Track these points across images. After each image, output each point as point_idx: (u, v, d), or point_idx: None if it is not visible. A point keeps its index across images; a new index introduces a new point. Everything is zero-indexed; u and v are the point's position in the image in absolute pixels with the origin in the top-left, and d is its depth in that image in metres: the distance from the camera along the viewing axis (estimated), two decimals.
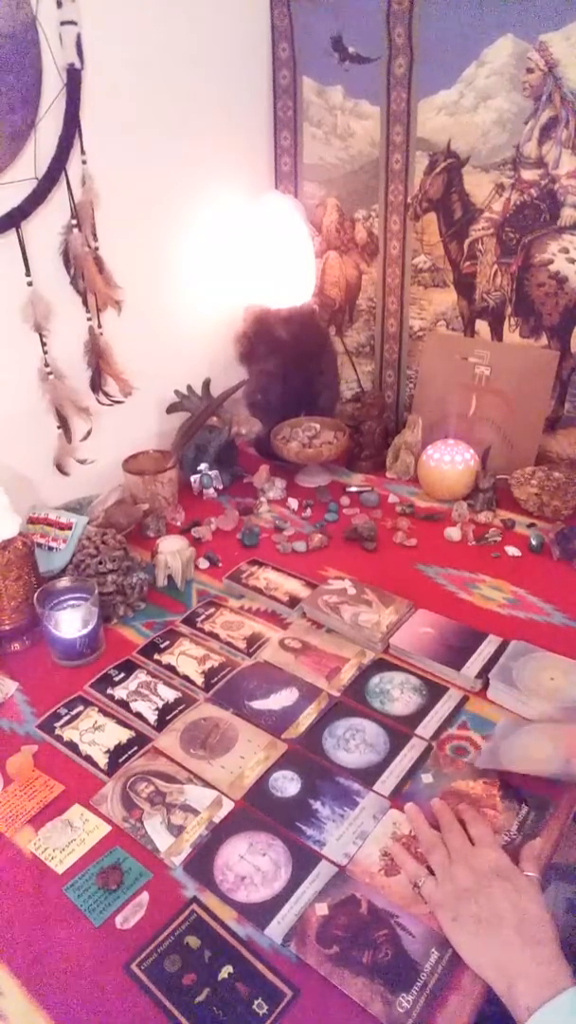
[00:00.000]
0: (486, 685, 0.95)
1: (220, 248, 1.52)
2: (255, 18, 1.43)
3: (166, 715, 0.94)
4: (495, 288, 1.38)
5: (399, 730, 0.90)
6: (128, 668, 1.02)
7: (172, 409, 1.49)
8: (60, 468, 1.33)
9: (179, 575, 1.17)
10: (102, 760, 0.88)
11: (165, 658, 1.04)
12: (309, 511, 1.38)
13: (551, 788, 0.80)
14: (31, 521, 1.22)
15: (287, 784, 0.84)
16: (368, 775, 0.84)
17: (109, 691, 0.99)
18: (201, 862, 0.76)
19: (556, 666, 0.95)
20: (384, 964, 0.66)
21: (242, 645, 1.06)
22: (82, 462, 1.36)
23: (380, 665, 1.01)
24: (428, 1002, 0.63)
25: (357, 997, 0.64)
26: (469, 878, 0.69)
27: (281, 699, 0.96)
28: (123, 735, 0.92)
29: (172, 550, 1.16)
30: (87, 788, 0.85)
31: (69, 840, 0.79)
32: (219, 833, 0.79)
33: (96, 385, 1.34)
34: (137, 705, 0.96)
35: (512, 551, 1.22)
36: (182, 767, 0.87)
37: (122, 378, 1.36)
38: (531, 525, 1.29)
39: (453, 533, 1.27)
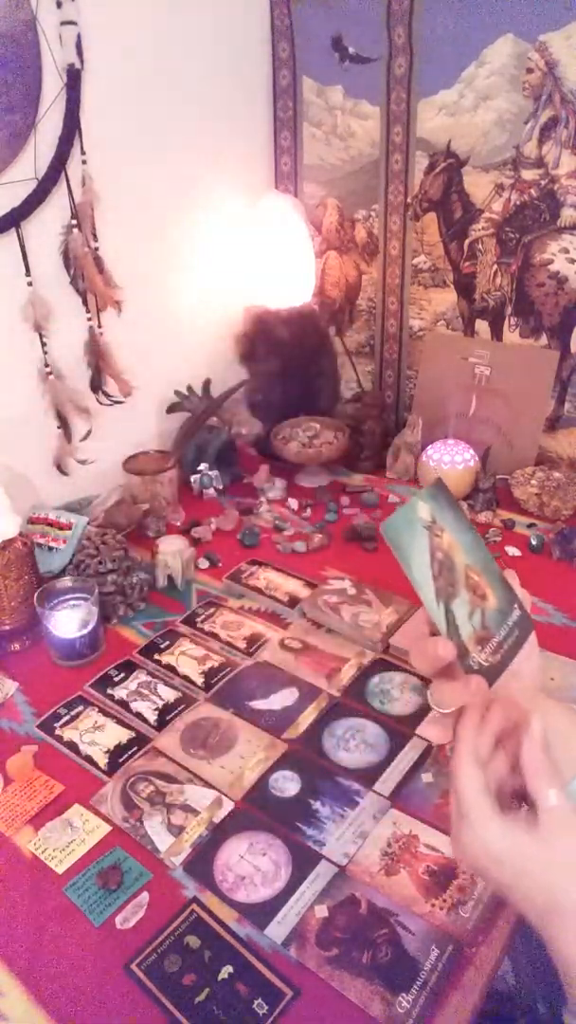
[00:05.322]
0: None
1: (220, 248, 1.52)
2: (255, 18, 1.43)
3: (166, 715, 0.94)
4: (495, 288, 1.38)
5: (399, 730, 0.90)
6: (128, 668, 1.02)
7: (172, 409, 1.49)
8: (60, 468, 1.33)
9: (179, 575, 1.17)
10: (102, 760, 0.88)
11: (165, 658, 1.04)
12: (309, 511, 1.38)
13: None
14: (31, 521, 1.22)
15: (287, 784, 0.84)
16: (368, 775, 0.84)
17: (109, 691, 0.98)
18: (201, 862, 0.76)
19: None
20: (384, 964, 0.66)
21: (242, 645, 1.06)
22: (82, 462, 1.36)
23: (380, 665, 1.01)
24: (428, 1001, 0.63)
25: (356, 999, 0.64)
26: None
27: (281, 699, 0.96)
28: (123, 735, 0.91)
29: (172, 550, 1.16)
30: (87, 788, 0.85)
31: (69, 840, 0.79)
32: (219, 833, 0.79)
33: (96, 385, 1.34)
34: (137, 705, 0.96)
35: (512, 551, 1.22)
36: (182, 767, 0.87)
37: (122, 378, 1.36)
38: (531, 525, 1.29)
39: None
